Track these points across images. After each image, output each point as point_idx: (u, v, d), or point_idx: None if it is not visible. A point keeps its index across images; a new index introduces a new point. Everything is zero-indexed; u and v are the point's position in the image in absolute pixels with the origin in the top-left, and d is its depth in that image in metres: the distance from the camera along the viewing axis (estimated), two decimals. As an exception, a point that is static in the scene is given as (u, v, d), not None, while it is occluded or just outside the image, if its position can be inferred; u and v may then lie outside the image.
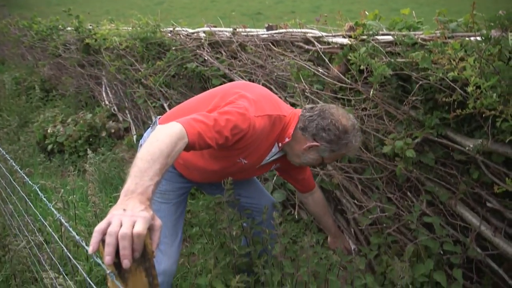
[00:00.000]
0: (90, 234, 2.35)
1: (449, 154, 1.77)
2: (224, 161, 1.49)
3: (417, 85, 1.70)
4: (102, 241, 0.78)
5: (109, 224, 0.79)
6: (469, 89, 1.42)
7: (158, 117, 1.67)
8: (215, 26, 3.17)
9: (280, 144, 1.52)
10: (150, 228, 0.84)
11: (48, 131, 4.37)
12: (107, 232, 0.76)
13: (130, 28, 3.83)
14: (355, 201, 2.06)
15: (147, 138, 1.62)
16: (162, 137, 1.07)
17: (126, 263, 0.74)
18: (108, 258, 0.74)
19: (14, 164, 1.73)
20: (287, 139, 1.49)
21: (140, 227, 0.78)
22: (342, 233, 2.18)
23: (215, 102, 1.44)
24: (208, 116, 1.24)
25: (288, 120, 1.49)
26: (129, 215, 0.82)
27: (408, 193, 1.88)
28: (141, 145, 1.67)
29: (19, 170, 1.66)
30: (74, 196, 2.38)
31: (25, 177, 1.58)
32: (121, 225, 0.79)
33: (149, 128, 1.67)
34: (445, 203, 1.76)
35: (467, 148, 1.59)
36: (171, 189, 1.60)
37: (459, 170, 1.74)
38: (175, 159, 1.09)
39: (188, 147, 1.17)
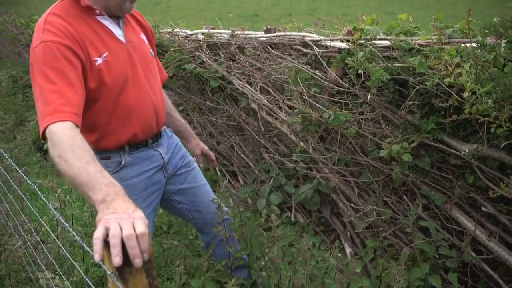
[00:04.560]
0: (86, 234, 2.35)
1: (444, 159, 1.79)
2: (101, 90, 1.23)
3: (414, 90, 1.73)
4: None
5: (106, 229, 0.78)
6: (465, 94, 1.44)
7: None
8: (213, 28, 3.17)
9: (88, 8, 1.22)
10: None
11: (45, 130, 4.35)
12: (110, 235, 0.76)
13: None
14: (352, 204, 2.07)
15: None
16: (58, 149, 0.99)
17: (138, 261, 0.74)
18: (117, 258, 0.73)
19: (12, 163, 1.73)
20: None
21: (142, 227, 0.78)
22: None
23: None
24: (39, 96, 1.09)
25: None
26: (125, 217, 0.81)
27: (404, 197, 1.90)
28: None
29: (18, 169, 1.66)
30: (72, 196, 2.37)
31: (24, 176, 1.58)
32: (120, 228, 0.79)
33: None
34: (440, 207, 1.78)
35: (462, 153, 1.61)
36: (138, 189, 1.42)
37: (455, 175, 1.76)
38: (87, 144, 1.00)
39: (75, 127, 1.04)
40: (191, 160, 1.63)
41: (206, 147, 1.72)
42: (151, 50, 1.44)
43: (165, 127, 1.54)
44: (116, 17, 1.29)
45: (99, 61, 1.20)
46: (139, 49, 1.34)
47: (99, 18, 1.24)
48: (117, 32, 1.28)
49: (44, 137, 1.04)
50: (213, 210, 1.63)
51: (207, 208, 1.63)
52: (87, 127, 1.16)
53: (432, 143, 1.75)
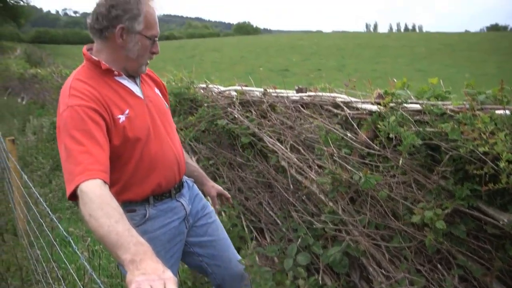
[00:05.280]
0: (112, 286, 2.35)
1: (481, 227, 1.72)
2: (125, 145, 1.31)
3: (447, 156, 1.71)
4: None
5: None
6: (501, 164, 1.42)
7: None
8: (246, 85, 3.30)
9: (109, 73, 1.32)
10: None
11: (79, 176, 4.50)
12: None
13: (165, 83, 4.03)
14: (382, 271, 1.99)
15: None
16: (89, 208, 1.02)
17: None
18: None
19: (50, 213, 1.79)
20: (87, 61, 1.32)
21: None
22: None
23: None
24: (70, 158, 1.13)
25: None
26: (156, 279, 0.83)
27: (439, 266, 1.82)
28: None
29: (55, 219, 1.72)
30: (100, 246, 2.41)
31: (60, 226, 1.63)
32: None
33: None
34: (479, 280, 1.69)
35: (501, 223, 1.55)
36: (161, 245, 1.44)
37: (493, 245, 1.68)
38: (115, 200, 1.04)
39: (104, 184, 1.08)
40: (212, 211, 1.66)
41: (220, 188, 1.77)
42: (165, 103, 1.54)
43: (186, 177, 1.59)
44: (132, 76, 1.41)
45: (122, 118, 1.29)
46: (156, 103, 1.45)
47: (117, 78, 1.35)
48: (135, 89, 1.39)
49: (71, 197, 1.08)
50: (233, 265, 1.64)
51: (226, 263, 1.63)
52: (110, 181, 1.20)
53: (467, 210, 1.70)
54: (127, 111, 1.30)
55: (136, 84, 1.40)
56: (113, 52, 1.32)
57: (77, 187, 1.06)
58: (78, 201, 1.06)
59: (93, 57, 1.32)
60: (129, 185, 1.36)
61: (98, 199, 1.02)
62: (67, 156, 1.12)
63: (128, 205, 1.36)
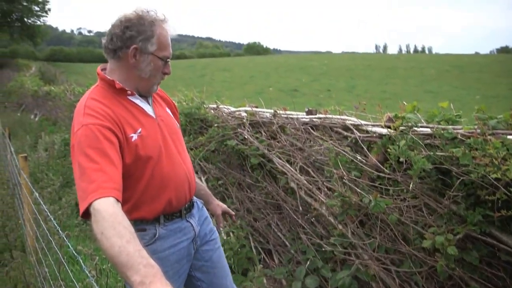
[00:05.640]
0: (118, 306, 2.33)
1: (495, 254, 1.69)
2: (137, 164, 1.32)
3: (458, 181, 1.69)
4: None
5: None
6: (514, 191, 1.41)
7: None
8: (256, 106, 3.33)
9: (122, 90, 1.34)
10: None
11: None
12: None
13: (176, 103, 4.09)
14: (393, 296, 1.96)
15: None
16: (101, 226, 1.02)
17: None
18: None
19: (60, 231, 1.80)
20: (101, 79, 1.35)
21: None
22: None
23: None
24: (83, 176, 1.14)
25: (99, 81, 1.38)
26: None
27: (451, 293, 1.78)
28: None
29: (65, 238, 1.73)
30: (108, 264, 2.40)
31: (70, 246, 1.63)
32: None
33: None
34: (492, 308, 1.65)
35: (514, 250, 1.53)
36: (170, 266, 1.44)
37: (508, 272, 1.65)
38: (127, 219, 1.04)
39: (116, 202, 1.09)
40: (218, 237, 1.66)
41: (225, 206, 1.77)
42: (177, 123, 1.57)
43: (195, 198, 1.60)
44: (144, 96, 1.44)
45: (135, 137, 1.31)
46: (167, 123, 1.47)
47: (130, 98, 1.38)
48: (147, 108, 1.41)
49: (85, 215, 1.09)
50: None
51: None
52: (122, 199, 1.19)
53: (479, 236, 1.67)
54: (139, 130, 1.32)
55: (148, 103, 1.43)
56: (126, 71, 1.35)
57: (90, 204, 1.06)
58: (90, 219, 1.07)
59: (107, 76, 1.35)
60: (140, 203, 1.36)
61: (110, 217, 1.03)
62: (81, 174, 1.13)
63: (138, 224, 1.37)
